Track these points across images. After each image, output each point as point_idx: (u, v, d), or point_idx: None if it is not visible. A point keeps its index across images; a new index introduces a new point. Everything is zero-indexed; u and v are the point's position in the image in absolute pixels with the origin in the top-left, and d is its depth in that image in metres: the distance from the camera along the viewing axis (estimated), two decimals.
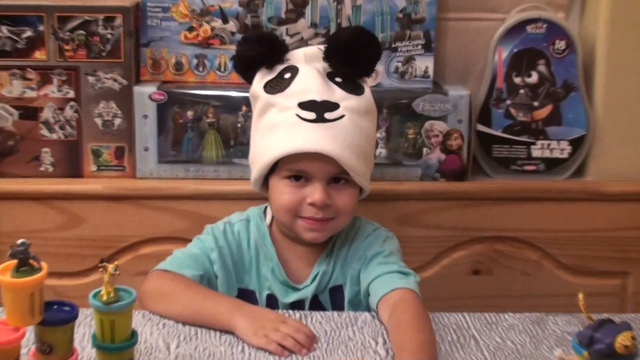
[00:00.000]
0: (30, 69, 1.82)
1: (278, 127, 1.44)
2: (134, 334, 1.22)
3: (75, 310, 1.18)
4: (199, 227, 1.60)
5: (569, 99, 1.91)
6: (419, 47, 1.89)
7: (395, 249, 1.54)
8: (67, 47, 1.82)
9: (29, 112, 1.84)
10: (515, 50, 1.90)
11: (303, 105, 1.43)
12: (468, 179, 1.90)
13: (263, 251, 1.54)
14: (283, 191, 1.46)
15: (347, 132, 1.43)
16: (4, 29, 1.80)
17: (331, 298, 1.54)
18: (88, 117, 1.85)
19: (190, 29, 1.87)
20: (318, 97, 1.43)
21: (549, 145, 1.93)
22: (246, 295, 1.52)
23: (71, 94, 1.84)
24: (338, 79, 1.47)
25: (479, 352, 1.34)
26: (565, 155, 1.93)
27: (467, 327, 1.42)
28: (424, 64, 1.89)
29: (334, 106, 1.43)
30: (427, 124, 1.86)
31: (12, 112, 1.84)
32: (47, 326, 1.15)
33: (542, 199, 1.91)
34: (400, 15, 1.86)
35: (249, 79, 1.52)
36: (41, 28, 1.81)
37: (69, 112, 1.85)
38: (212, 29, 1.87)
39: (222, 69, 1.89)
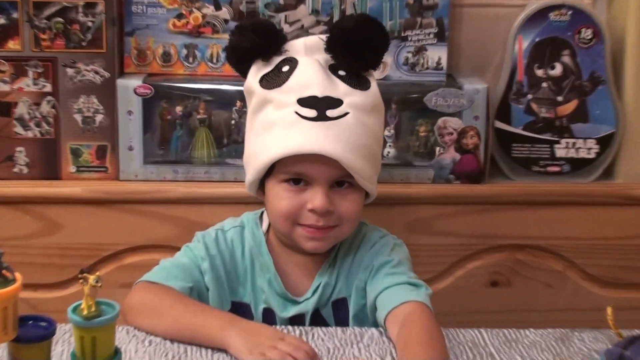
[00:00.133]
0: (2, 61, 1.83)
1: (275, 126, 1.44)
2: (117, 352, 1.22)
3: (52, 325, 1.19)
4: (188, 235, 1.60)
5: (596, 93, 1.92)
6: (431, 36, 1.89)
7: (405, 258, 1.55)
8: (43, 37, 1.82)
9: (1, 107, 1.85)
10: (537, 39, 1.91)
11: (303, 102, 1.43)
12: (485, 182, 1.91)
13: (259, 261, 1.55)
14: (280, 196, 1.47)
15: (352, 131, 1.43)
16: None
17: (334, 312, 1.55)
18: (66, 113, 1.85)
19: (179, 16, 1.88)
20: (319, 93, 1.44)
21: (574, 144, 1.93)
22: (240, 310, 1.53)
23: (48, 87, 1.85)
24: (341, 72, 1.48)
25: None
26: (592, 155, 1.94)
27: (484, 344, 1.43)
28: (437, 54, 1.90)
29: (336, 102, 1.44)
30: (440, 121, 1.87)
31: None
32: (22, 343, 1.16)
33: (567, 204, 1.91)
34: (411, 1, 1.87)
35: (243, 72, 1.53)
36: (15, 15, 1.81)
37: (45, 107, 1.85)
38: (203, 16, 1.88)
39: (214, 60, 1.90)
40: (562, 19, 1.90)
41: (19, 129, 1.86)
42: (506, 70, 1.92)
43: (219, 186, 1.87)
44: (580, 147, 1.93)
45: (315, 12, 1.87)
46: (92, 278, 1.18)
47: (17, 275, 1.15)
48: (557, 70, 1.92)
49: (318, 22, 1.87)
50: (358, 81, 1.48)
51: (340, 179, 1.46)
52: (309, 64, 1.47)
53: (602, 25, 1.90)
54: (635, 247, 1.93)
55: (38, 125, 1.86)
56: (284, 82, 1.46)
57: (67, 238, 1.86)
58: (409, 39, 1.89)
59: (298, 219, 1.46)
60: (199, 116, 1.85)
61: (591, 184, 1.95)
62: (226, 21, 1.88)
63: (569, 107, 1.93)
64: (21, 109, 1.85)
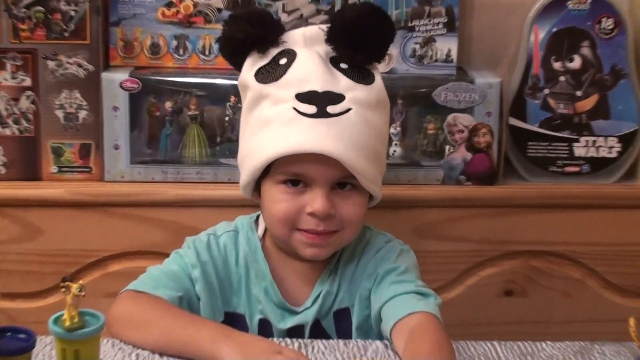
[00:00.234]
0: None
1: (272, 123, 1.45)
2: None
3: (32, 338, 1.19)
4: (178, 240, 1.61)
5: (618, 88, 1.92)
6: (441, 26, 1.90)
7: (412, 265, 1.55)
8: (22, 26, 1.83)
9: None
10: (554, 29, 1.91)
11: (301, 97, 1.43)
12: (498, 183, 1.91)
13: (254, 268, 1.55)
14: (278, 198, 1.47)
15: (354, 129, 1.43)
16: None
17: (336, 323, 1.55)
18: (47, 109, 1.86)
19: (169, 4, 1.88)
20: (319, 88, 1.44)
21: (594, 142, 1.94)
22: (234, 321, 1.53)
23: (27, 81, 1.85)
24: (343, 65, 1.48)
25: None
26: (613, 154, 1.94)
27: (497, 358, 1.43)
28: (446, 46, 1.90)
29: (338, 98, 1.44)
30: (450, 118, 1.87)
31: None
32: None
33: (587, 207, 1.91)
34: None
35: (238, 65, 1.53)
36: None
37: (24, 103, 1.86)
38: (195, 4, 1.88)
39: (207, 52, 1.90)
40: (581, 7, 1.90)
41: None
42: (521, 63, 1.93)
43: (212, 188, 1.87)
44: (600, 146, 1.94)
45: (315, 0, 1.87)
46: (74, 287, 1.18)
47: None
48: (576, 62, 1.92)
49: (318, 11, 1.87)
50: (361, 75, 1.48)
51: (342, 180, 1.46)
52: (309, 56, 1.47)
53: (624, 15, 1.90)
54: None
55: (17, 122, 1.86)
56: (281, 75, 1.46)
57: (48, 244, 1.86)
58: (417, 29, 1.89)
59: (296, 224, 1.46)
60: (190, 112, 1.85)
61: (613, 186, 1.95)
62: (219, 10, 1.88)
63: (589, 102, 1.93)
64: None
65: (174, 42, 1.89)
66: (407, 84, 1.87)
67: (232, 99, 1.84)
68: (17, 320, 1.80)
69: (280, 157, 1.43)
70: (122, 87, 1.84)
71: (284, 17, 1.85)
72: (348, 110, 1.44)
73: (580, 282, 1.95)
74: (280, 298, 1.53)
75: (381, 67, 1.58)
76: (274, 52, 1.49)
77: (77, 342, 1.19)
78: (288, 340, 1.47)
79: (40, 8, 1.82)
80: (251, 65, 1.50)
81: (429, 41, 1.90)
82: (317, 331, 1.53)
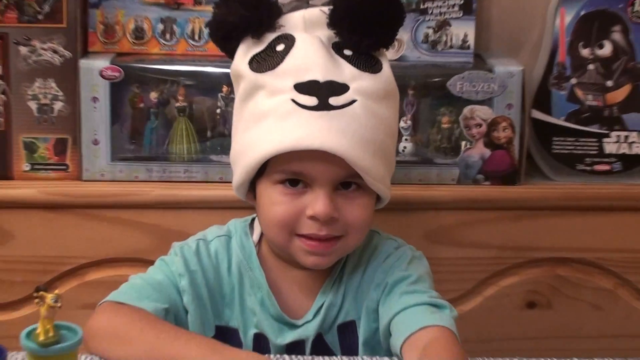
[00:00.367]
0: None
1: (268, 117, 1.44)
2: None
3: (2, 353, 1.19)
4: (164, 246, 1.61)
5: None
6: (456, 8, 1.90)
7: (425, 273, 1.55)
8: None
9: None
10: (582, 12, 1.91)
11: (301, 88, 1.43)
12: (520, 183, 1.91)
13: (249, 277, 1.55)
14: (275, 200, 1.47)
15: (360, 123, 1.43)
16: None
17: (340, 338, 1.55)
18: (19, 100, 1.86)
19: None
20: (321, 77, 1.44)
21: (626, 137, 1.94)
22: (227, 335, 1.54)
23: None
24: (347, 52, 1.48)
25: None
26: None
27: None
28: (463, 30, 1.91)
29: (341, 88, 1.44)
30: (467, 110, 1.87)
31: None
32: None
33: (618, 209, 1.92)
34: None
35: (230, 52, 1.53)
36: None
37: None
38: None
39: (196, 37, 1.90)
40: None
41: None
42: (545, 50, 1.93)
43: (202, 188, 1.88)
44: (634, 142, 1.94)
45: None
46: (49, 297, 1.18)
47: None
48: (607, 49, 1.92)
49: None
50: (367, 62, 1.48)
51: (346, 180, 1.46)
52: (309, 42, 1.47)
53: None
54: None
55: None
56: (278, 64, 1.46)
57: (20, 249, 1.87)
58: (429, 11, 1.90)
59: (296, 228, 1.46)
60: (177, 104, 1.86)
61: None
62: None
63: (621, 93, 1.93)
64: None
65: (160, 26, 1.90)
66: (418, 72, 1.87)
67: (225, 89, 1.84)
68: None
69: (277, 154, 1.43)
70: (102, 76, 1.84)
71: None
72: (353, 101, 1.43)
73: (611, 293, 1.95)
74: (278, 310, 1.53)
75: (390, 54, 1.58)
76: (270, 37, 1.49)
77: (52, 358, 1.19)
78: (286, 357, 1.47)
79: None
80: (245, 53, 1.50)
81: (443, 25, 1.90)
82: (320, 347, 1.54)
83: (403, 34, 1.86)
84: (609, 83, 1.93)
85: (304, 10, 1.52)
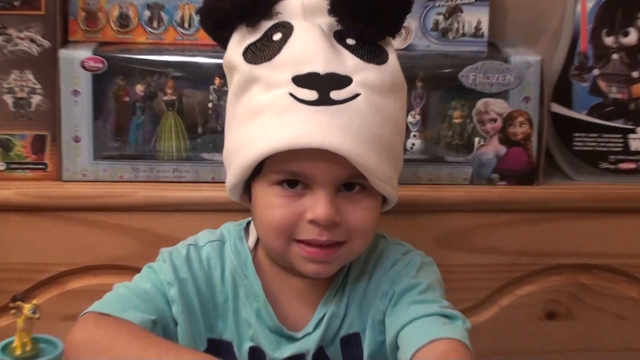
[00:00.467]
0: None
1: (264, 112, 1.44)
2: None
3: None
4: (151, 252, 1.61)
5: None
6: None
7: (436, 281, 1.55)
8: None
9: None
10: None
11: (300, 81, 1.43)
12: (539, 182, 1.92)
13: (244, 286, 1.56)
14: (271, 203, 1.47)
15: (364, 118, 1.43)
16: None
17: (343, 352, 1.55)
18: None
19: None
20: (321, 69, 1.43)
21: None
22: (219, 349, 1.54)
23: None
24: (350, 42, 1.48)
25: None
26: None
27: None
28: (476, 17, 1.91)
29: (344, 81, 1.43)
30: (481, 104, 1.88)
31: None
32: None
33: None
34: None
35: (223, 42, 1.53)
36: None
37: None
38: None
39: (186, 25, 1.91)
40: None
41: None
42: (566, 38, 1.93)
43: (192, 189, 1.88)
44: None
45: None
46: (27, 308, 1.19)
47: None
48: (632, 37, 1.93)
49: None
50: (372, 53, 1.48)
51: (350, 181, 1.46)
52: (308, 30, 1.47)
53: None
54: None
55: None
56: (275, 54, 1.45)
57: None
58: None
59: (294, 233, 1.46)
60: (165, 97, 1.86)
61: None
62: None
63: None
64: None
65: (147, 13, 1.90)
66: (428, 63, 1.88)
67: (217, 81, 1.84)
68: None
69: (274, 152, 1.42)
70: (83, 67, 1.84)
71: None
72: (356, 95, 1.43)
73: (638, 302, 1.96)
74: (275, 322, 1.54)
75: (396, 43, 1.59)
76: (266, 25, 1.49)
77: None
78: None
79: None
80: (239, 42, 1.50)
81: (454, 11, 1.90)
82: None
83: (411, 21, 1.87)
84: (635, 74, 1.93)
85: None
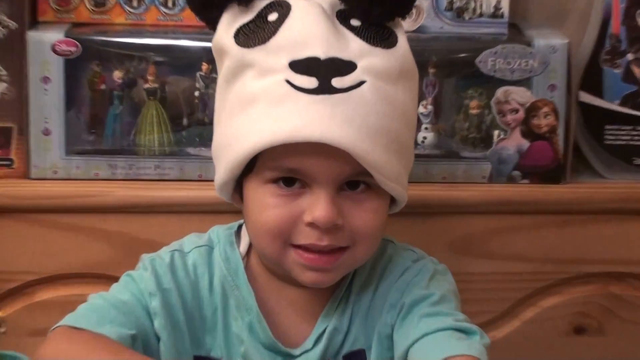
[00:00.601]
0: None
1: (258, 101, 1.44)
2: None
3: None
4: (131, 258, 1.61)
5: None
6: None
7: (449, 291, 1.56)
8: None
9: None
10: None
11: (298, 66, 1.43)
12: (566, 181, 1.92)
13: (235, 296, 1.56)
14: (266, 203, 1.47)
15: (369, 109, 1.43)
16: None
17: None
18: None
19: None
20: (322, 53, 1.43)
21: None
22: None
23: None
24: (355, 23, 1.48)
25: None
26: None
27: None
28: None
29: (347, 67, 1.43)
30: (500, 93, 1.88)
31: None
32: None
33: None
34: None
35: (212, 23, 1.53)
36: None
37: None
38: None
39: (170, 4, 1.91)
40: None
41: None
42: (595, 19, 1.94)
43: (176, 187, 1.88)
44: None
45: None
46: None
47: None
48: None
49: None
50: (379, 35, 1.48)
51: (353, 179, 1.46)
52: (307, 10, 1.47)
53: None
54: None
55: None
56: (270, 37, 1.45)
57: None
58: None
59: (291, 237, 1.46)
60: (146, 85, 1.87)
61: None
62: None
63: None
64: None
65: None
66: (441, 46, 1.88)
67: (204, 67, 1.85)
68: None
69: (269, 147, 1.42)
70: (54, 51, 1.85)
71: None
72: (361, 83, 1.43)
73: None
74: (270, 337, 1.54)
75: (406, 25, 1.59)
76: (260, 4, 1.49)
77: None
78: None
79: None
80: (230, 23, 1.50)
81: None
82: None
83: (422, 0, 1.87)
84: None
85: None
